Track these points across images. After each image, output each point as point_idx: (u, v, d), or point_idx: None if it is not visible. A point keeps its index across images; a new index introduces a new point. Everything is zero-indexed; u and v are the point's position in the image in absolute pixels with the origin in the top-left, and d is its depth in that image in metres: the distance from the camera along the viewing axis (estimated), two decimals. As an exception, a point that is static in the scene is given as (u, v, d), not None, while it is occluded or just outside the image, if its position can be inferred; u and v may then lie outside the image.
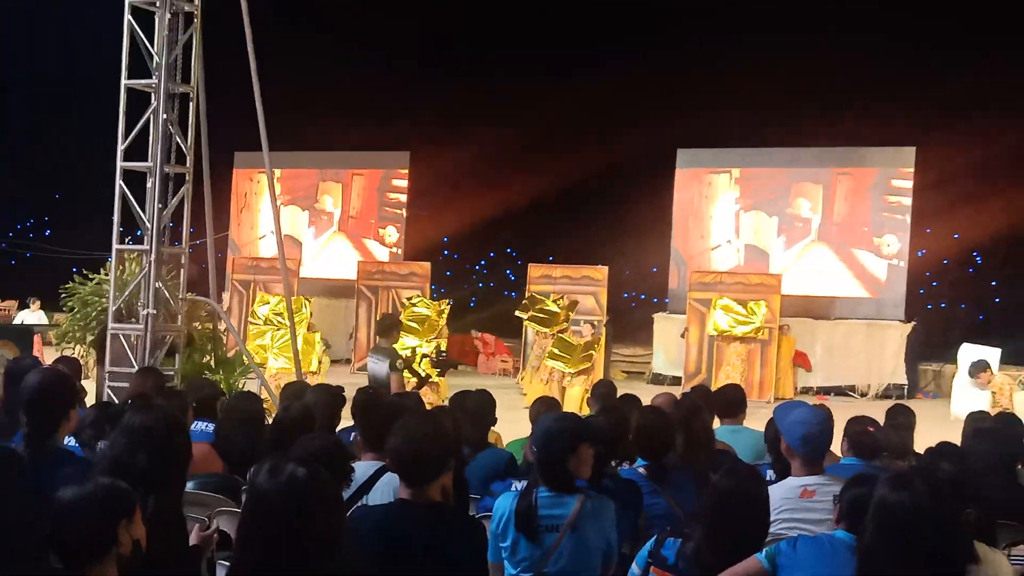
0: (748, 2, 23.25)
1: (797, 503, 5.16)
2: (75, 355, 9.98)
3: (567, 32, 25.73)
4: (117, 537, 3.15)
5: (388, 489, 4.92)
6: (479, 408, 6.66)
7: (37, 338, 13.12)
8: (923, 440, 6.91)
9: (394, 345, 10.90)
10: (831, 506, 4.54)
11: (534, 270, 22.17)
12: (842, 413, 6.49)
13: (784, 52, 22.50)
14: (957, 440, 6.26)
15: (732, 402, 7.79)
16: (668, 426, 5.89)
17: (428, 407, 7.10)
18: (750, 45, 23.01)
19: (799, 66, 22.58)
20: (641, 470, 5.75)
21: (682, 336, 20.73)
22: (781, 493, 5.23)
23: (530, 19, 26.01)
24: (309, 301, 18.24)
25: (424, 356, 13.92)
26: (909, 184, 21.94)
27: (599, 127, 25.86)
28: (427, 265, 23.30)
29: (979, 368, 14.75)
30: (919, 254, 23.14)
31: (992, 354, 16.26)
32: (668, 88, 24.28)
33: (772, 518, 5.00)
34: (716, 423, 7.51)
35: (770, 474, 6.01)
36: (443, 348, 17.33)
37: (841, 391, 20.69)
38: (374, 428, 5.50)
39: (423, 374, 11.32)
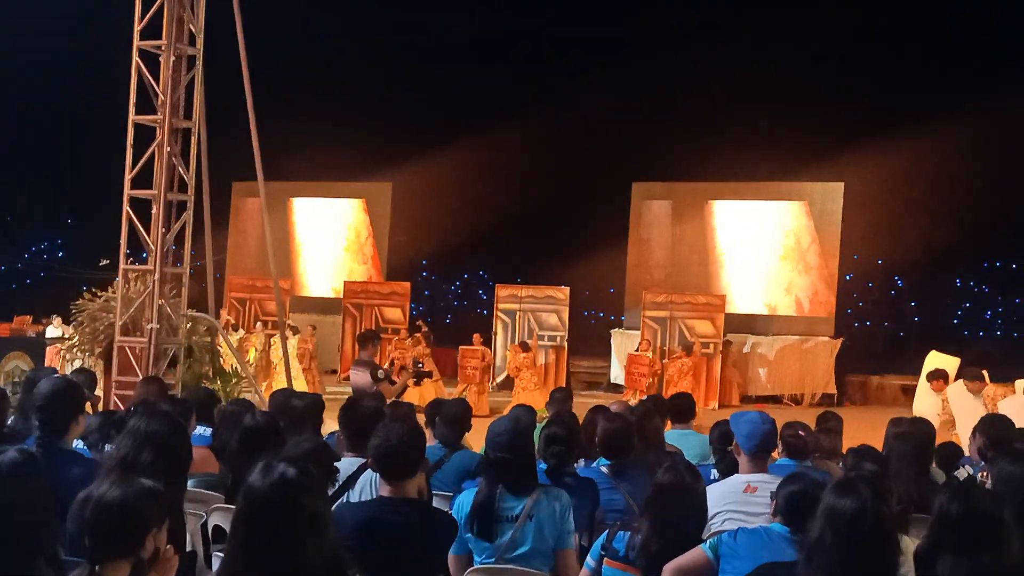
0: (695, 50, 23.39)
1: (740, 497, 5.19)
2: (86, 366, 9.91)
3: (533, 67, 25.85)
4: (144, 542, 3.09)
5: (369, 487, 4.92)
6: (456, 414, 6.67)
7: (50, 350, 13.00)
8: (853, 444, 6.97)
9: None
10: (769, 501, 4.57)
11: (501, 290, 22.21)
12: (779, 419, 6.53)
13: (725, 97, 22.71)
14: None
15: (683, 409, 7.83)
16: (629, 431, 5.95)
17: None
18: (696, 91, 23.19)
19: (739, 109, 22.79)
20: (604, 469, 5.78)
21: (636, 350, 20.78)
22: (726, 489, 5.29)
23: (499, 55, 26.13)
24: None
25: (402, 367, 13.89)
26: (838, 216, 22.14)
27: (562, 159, 25.98)
28: (407, 285, 23.29)
29: (935, 376, 14.82)
30: (847, 277, 23.35)
31: (951, 363, 16.32)
32: (625, 124, 24.46)
33: (717, 510, 5.08)
34: (668, 427, 7.55)
35: (714, 473, 6.04)
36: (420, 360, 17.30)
37: (778, 400, 20.79)
38: (354, 429, 5.53)
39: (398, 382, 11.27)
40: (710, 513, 5.16)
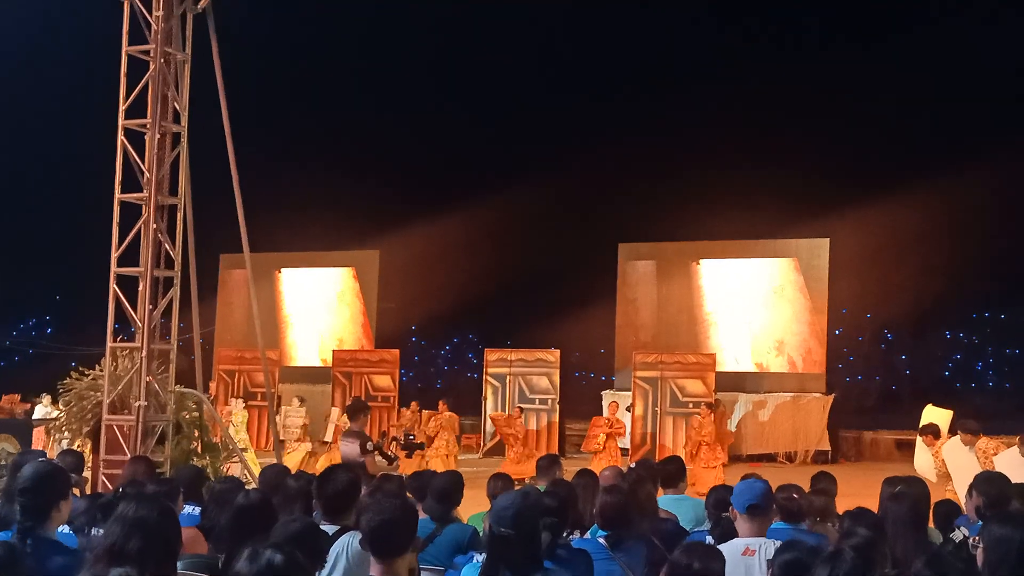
0: (679, 113, 23.67)
1: (739, 560, 5.21)
2: (73, 446, 9.81)
3: (518, 134, 26.12)
4: None
5: (344, 554, 4.87)
6: (446, 486, 6.61)
7: (38, 431, 12.88)
8: (848, 502, 6.94)
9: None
10: (766, 566, 4.56)
11: (490, 354, 22.18)
12: (774, 478, 6.51)
13: (709, 158, 22.94)
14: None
15: (673, 473, 7.77)
16: (628, 503, 5.93)
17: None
18: (680, 152, 23.44)
19: (723, 170, 23.00)
20: (601, 540, 5.74)
21: (628, 411, 20.71)
22: (726, 553, 5.27)
23: (483, 122, 26.39)
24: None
25: (393, 439, 13.81)
26: (825, 271, 22.24)
27: (548, 222, 26.18)
28: (396, 352, 23.21)
29: (926, 431, 14.77)
30: (836, 332, 23.40)
31: (944, 416, 16.23)
32: (610, 186, 24.70)
33: None
34: (660, 492, 7.50)
35: (709, 539, 5.99)
36: (411, 433, 17.23)
37: (772, 458, 20.70)
38: (329, 501, 5.58)
39: (392, 455, 11.20)
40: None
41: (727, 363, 22.27)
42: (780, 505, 6.10)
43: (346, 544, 4.91)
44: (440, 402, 18.80)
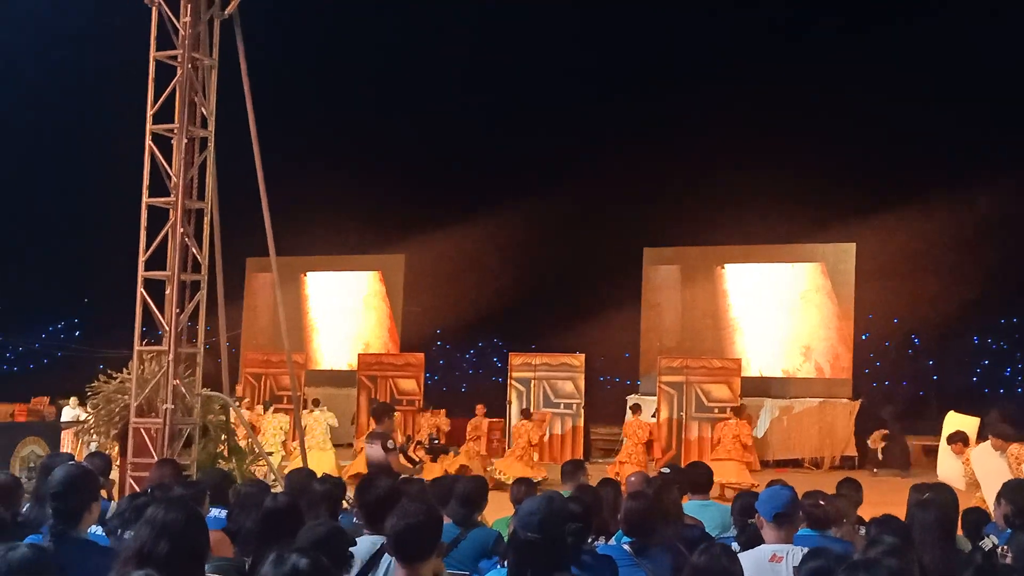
0: (704, 116, 23.59)
1: (767, 566, 5.22)
2: (101, 449, 9.88)
3: (544, 138, 26.09)
4: None
5: (391, 569, 4.85)
6: (470, 491, 6.61)
7: (66, 433, 12.98)
8: (875, 507, 6.91)
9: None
10: (793, 573, 4.55)
11: (515, 358, 22.17)
12: (800, 484, 6.48)
13: (734, 162, 22.85)
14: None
15: (700, 479, 7.75)
16: (653, 510, 5.91)
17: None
18: (706, 156, 23.37)
19: (748, 174, 22.91)
20: (625, 546, 5.72)
21: (653, 416, 20.64)
22: (751, 561, 5.28)
23: (508, 125, 26.40)
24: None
25: (418, 442, 13.84)
26: (851, 276, 22.12)
27: (573, 226, 26.12)
28: (421, 356, 23.25)
29: (954, 439, 14.61)
30: (863, 337, 23.26)
31: (970, 423, 16.08)
32: (635, 191, 24.62)
33: None
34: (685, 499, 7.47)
35: (735, 546, 5.96)
36: (435, 435, 17.24)
37: (799, 464, 20.59)
38: (370, 509, 5.48)
39: (417, 459, 11.23)
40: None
41: (753, 368, 22.19)
42: (806, 512, 6.07)
43: (391, 562, 4.88)
44: (478, 406, 18.81)
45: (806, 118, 23.06)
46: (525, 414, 18.52)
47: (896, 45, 22.94)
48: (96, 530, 5.48)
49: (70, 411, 20.73)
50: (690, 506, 7.36)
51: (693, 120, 23.38)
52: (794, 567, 4.48)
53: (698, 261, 23.94)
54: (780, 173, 23.23)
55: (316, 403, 18.84)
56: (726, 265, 23.66)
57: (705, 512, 7.33)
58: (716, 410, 19.82)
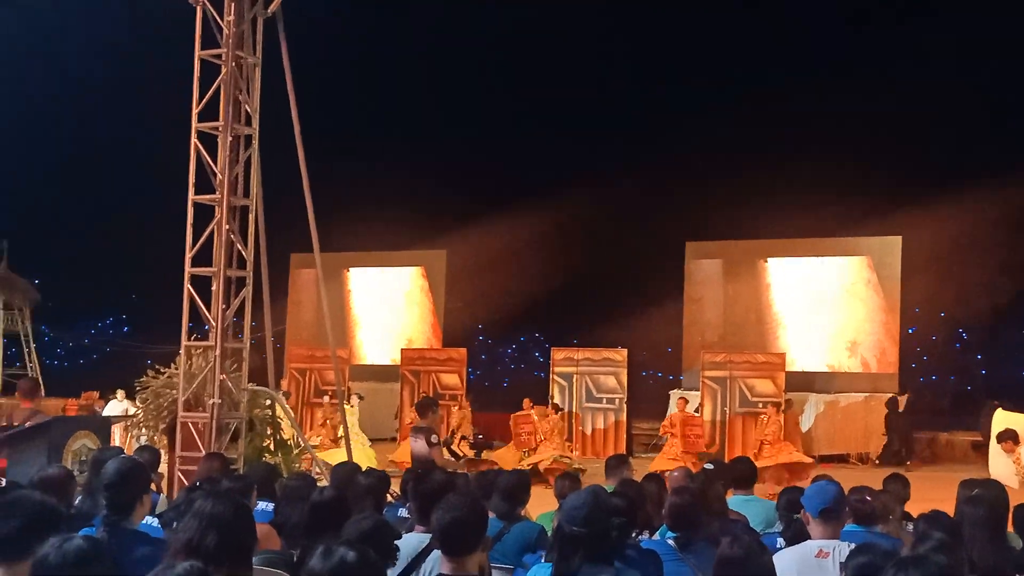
0: (746, 108, 23.43)
1: (813, 562, 5.20)
2: (149, 443, 10.01)
3: (585, 132, 26.04)
4: None
5: (437, 565, 4.87)
6: (513, 485, 6.62)
7: (115, 428, 13.15)
8: (923, 503, 6.86)
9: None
10: (840, 569, 4.53)
11: (557, 353, 22.17)
12: (846, 480, 6.45)
13: (777, 154, 22.68)
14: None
15: (744, 474, 7.72)
16: (697, 505, 5.91)
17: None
18: (748, 149, 23.21)
19: (791, 167, 22.73)
20: (670, 541, 5.73)
21: (696, 411, 20.56)
22: (796, 556, 5.31)
23: (549, 120, 26.37)
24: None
25: (463, 437, 13.89)
26: (897, 269, 21.92)
27: (615, 220, 26.06)
28: (463, 351, 23.31)
29: (1004, 437, 14.47)
30: (910, 331, 23.02)
31: (1020, 420, 15.89)
32: (677, 184, 24.52)
33: None
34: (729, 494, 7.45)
35: (780, 542, 5.94)
36: (479, 432, 17.28)
37: (843, 458, 20.43)
38: (424, 502, 5.49)
39: (461, 453, 11.28)
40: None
41: (797, 363, 22.03)
42: (853, 508, 6.04)
43: (438, 559, 4.90)
44: (526, 400, 18.70)
45: (851, 109, 22.85)
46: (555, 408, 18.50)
47: (944, 32, 22.67)
48: (152, 521, 5.58)
49: (116, 404, 21.03)
50: (734, 501, 7.35)
51: (736, 113, 23.23)
52: (841, 563, 4.45)
53: (741, 255, 23.81)
54: (824, 166, 23.04)
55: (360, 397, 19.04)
56: (769, 259, 23.51)
57: (749, 507, 7.31)
58: (760, 405, 19.71)
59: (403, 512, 6.76)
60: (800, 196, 23.10)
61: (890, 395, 20.87)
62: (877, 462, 19.89)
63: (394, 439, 22.43)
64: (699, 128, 23.57)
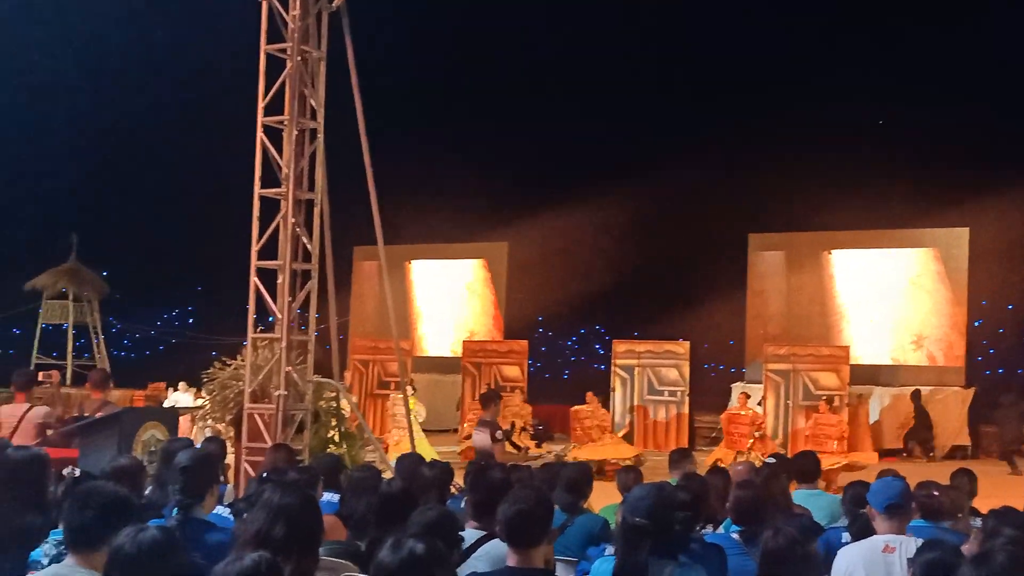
0: (810, 99, 23.14)
1: (879, 557, 5.18)
2: (215, 434, 10.17)
3: (647, 123, 25.89)
4: None
5: (487, 559, 4.89)
6: (576, 478, 6.65)
7: (183, 419, 13.36)
8: (991, 499, 6.77)
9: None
10: (907, 565, 4.49)
11: (619, 345, 22.11)
12: (911, 474, 6.39)
13: (842, 145, 22.39)
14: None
15: (808, 468, 7.67)
16: (761, 499, 5.90)
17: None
18: (812, 140, 22.93)
19: (856, 158, 22.44)
20: (734, 535, 5.71)
21: (759, 404, 20.40)
22: (864, 549, 5.29)
23: (611, 112, 26.27)
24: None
25: (523, 429, 13.93)
26: (964, 261, 21.58)
27: (677, 212, 25.88)
28: (524, 343, 23.34)
29: None
30: (976, 324, 22.65)
31: None
32: (740, 176, 24.32)
33: (854, 571, 5.06)
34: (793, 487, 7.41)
35: (845, 536, 5.89)
36: (541, 423, 17.27)
37: (909, 453, 20.18)
38: (481, 499, 5.51)
39: (522, 445, 11.33)
40: (846, 572, 5.09)
41: (861, 356, 21.76)
42: (920, 503, 5.98)
43: (489, 552, 4.92)
44: (588, 394, 18.54)
45: (916, 98, 22.45)
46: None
47: (1012, 18, 22.19)
48: (224, 511, 5.68)
49: (180, 395, 21.39)
50: (798, 495, 7.31)
51: (801, 102, 22.95)
52: (908, 558, 4.40)
53: (804, 247, 23.59)
54: (890, 156, 22.71)
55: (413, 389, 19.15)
56: (833, 251, 23.25)
57: (814, 501, 7.26)
58: (824, 398, 19.52)
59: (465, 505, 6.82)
60: (865, 187, 22.80)
61: (913, 388, 20.62)
62: (930, 455, 19.66)
63: (455, 430, 22.55)
64: (764, 118, 23.33)
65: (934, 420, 20.43)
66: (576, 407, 18.01)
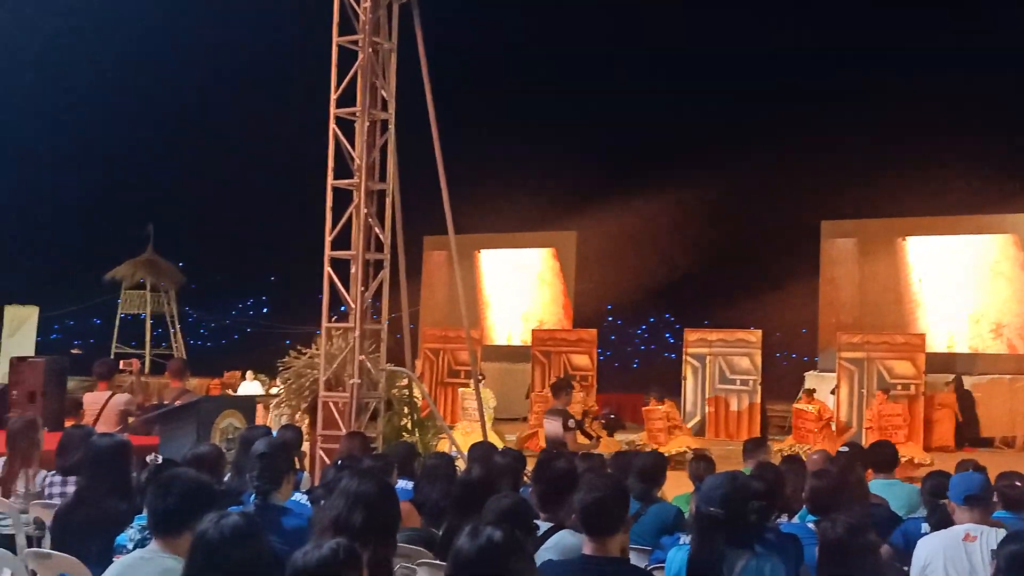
0: (884, 84, 22.76)
1: (960, 545, 5.12)
2: (291, 422, 10.31)
3: (718, 110, 25.68)
4: None
5: (557, 549, 4.88)
6: (650, 467, 6.62)
7: (259, 407, 13.56)
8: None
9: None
10: (990, 555, 4.41)
11: (690, 334, 21.96)
12: (992, 464, 6.28)
13: (916, 130, 21.98)
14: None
15: (886, 458, 7.56)
16: (838, 488, 5.84)
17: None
18: (886, 126, 22.57)
19: (931, 142, 22.01)
20: (811, 525, 5.66)
21: (832, 393, 20.13)
22: (941, 540, 5.23)
23: (682, 100, 26.08)
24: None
25: (595, 418, 13.88)
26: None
27: (748, 199, 25.66)
28: (594, 332, 23.29)
29: None
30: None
31: None
32: (813, 162, 24.01)
33: (934, 560, 5.02)
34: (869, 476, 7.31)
35: (925, 527, 5.80)
36: (612, 412, 17.11)
37: (987, 442, 19.78)
38: (547, 489, 5.52)
39: (594, 434, 11.31)
40: (925, 562, 5.03)
41: (937, 344, 21.37)
42: (1001, 493, 5.87)
43: (557, 544, 4.92)
44: (651, 398, 18.04)
45: (993, 81, 21.96)
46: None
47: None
48: (301, 498, 5.77)
49: (247, 385, 21.68)
50: (875, 485, 7.20)
51: (873, 88, 22.59)
52: (992, 549, 4.31)
53: (878, 233, 23.19)
54: (966, 140, 22.26)
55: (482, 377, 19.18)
56: (908, 237, 22.84)
57: (891, 491, 7.16)
58: (899, 387, 19.20)
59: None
60: (941, 172, 22.38)
61: (953, 375, 20.19)
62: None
63: (525, 419, 22.59)
64: (835, 104, 23.00)
65: (1014, 410, 20.00)
66: (647, 407, 17.71)
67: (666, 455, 15.39)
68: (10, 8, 25.33)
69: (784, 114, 24.10)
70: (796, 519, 6.08)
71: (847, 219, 23.64)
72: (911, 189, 22.59)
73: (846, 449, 7.75)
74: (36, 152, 30.24)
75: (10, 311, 23.99)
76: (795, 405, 18.24)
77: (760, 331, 21.48)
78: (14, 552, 5.56)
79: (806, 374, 22.15)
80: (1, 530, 6.22)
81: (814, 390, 18.57)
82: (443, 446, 11.36)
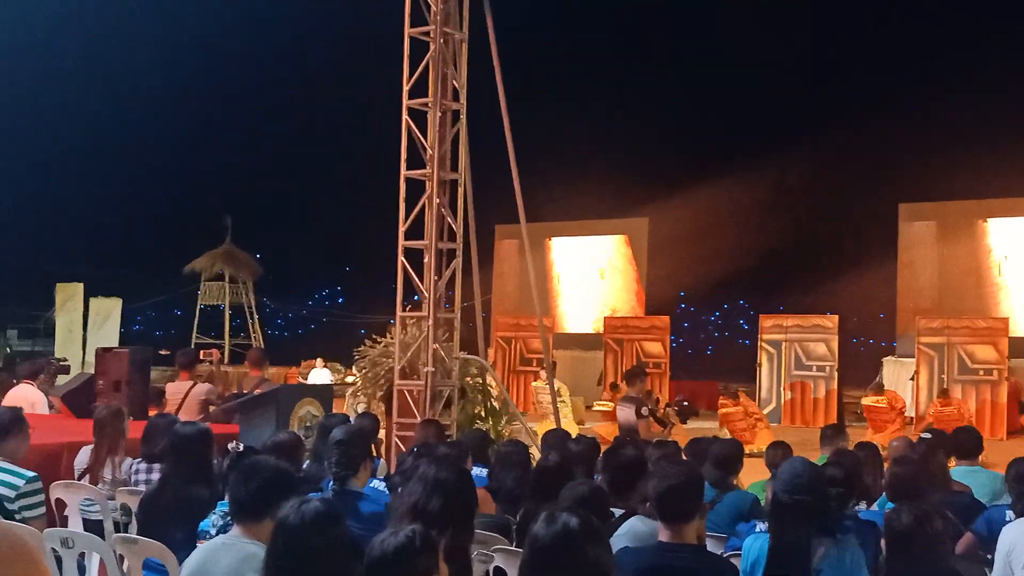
0: (961, 65, 22.27)
1: None
2: (368, 409, 10.41)
3: (793, 95, 25.34)
4: None
5: (630, 536, 4.87)
6: (727, 454, 6.58)
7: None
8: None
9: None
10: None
11: (766, 320, 21.71)
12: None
13: (996, 112, 21.49)
14: None
15: (968, 444, 7.40)
16: (918, 476, 5.75)
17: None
18: (964, 107, 22.08)
19: (1014, 123, 21.49)
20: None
21: (911, 379, 19.79)
22: (1021, 529, 5.11)
23: (757, 86, 25.77)
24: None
25: (668, 405, 13.77)
26: None
27: (825, 185, 25.30)
28: (666, 318, 23.18)
29: None
30: None
31: None
32: (890, 145, 23.61)
33: (1012, 549, 4.98)
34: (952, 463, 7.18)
35: (1010, 515, 5.68)
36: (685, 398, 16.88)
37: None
38: (615, 477, 5.52)
39: (668, 422, 11.25)
40: (1009, 548, 4.94)
41: (1021, 328, 20.85)
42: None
43: (629, 531, 4.90)
44: (722, 398, 17.51)
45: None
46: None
47: None
48: (379, 484, 5.83)
49: (317, 372, 21.97)
50: (957, 472, 7.07)
51: (951, 69, 22.11)
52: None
53: (958, 216, 22.70)
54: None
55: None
56: (989, 219, 22.33)
57: (974, 478, 7.01)
58: (981, 372, 18.80)
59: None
60: (1021, 153, 21.84)
61: None
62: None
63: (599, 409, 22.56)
64: (913, 86, 22.58)
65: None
66: (725, 410, 16.87)
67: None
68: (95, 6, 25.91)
69: (862, 96, 23.73)
70: (875, 506, 6.00)
71: (926, 202, 23.17)
72: (992, 170, 22.07)
73: (928, 436, 7.62)
74: (118, 150, 30.90)
75: (95, 303, 24.57)
76: (864, 402, 17.93)
77: (836, 316, 21.17)
78: (103, 537, 5.69)
79: (884, 360, 21.79)
80: (90, 516, 6.37)
81: (882, 385, 18.28)
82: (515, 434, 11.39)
